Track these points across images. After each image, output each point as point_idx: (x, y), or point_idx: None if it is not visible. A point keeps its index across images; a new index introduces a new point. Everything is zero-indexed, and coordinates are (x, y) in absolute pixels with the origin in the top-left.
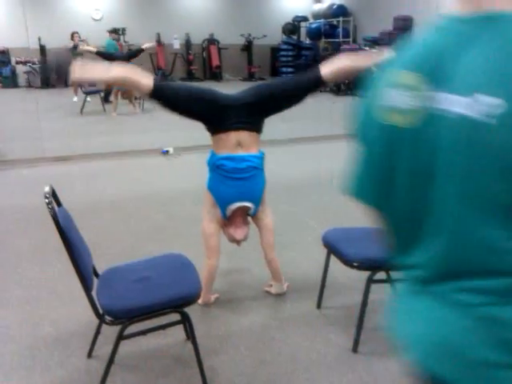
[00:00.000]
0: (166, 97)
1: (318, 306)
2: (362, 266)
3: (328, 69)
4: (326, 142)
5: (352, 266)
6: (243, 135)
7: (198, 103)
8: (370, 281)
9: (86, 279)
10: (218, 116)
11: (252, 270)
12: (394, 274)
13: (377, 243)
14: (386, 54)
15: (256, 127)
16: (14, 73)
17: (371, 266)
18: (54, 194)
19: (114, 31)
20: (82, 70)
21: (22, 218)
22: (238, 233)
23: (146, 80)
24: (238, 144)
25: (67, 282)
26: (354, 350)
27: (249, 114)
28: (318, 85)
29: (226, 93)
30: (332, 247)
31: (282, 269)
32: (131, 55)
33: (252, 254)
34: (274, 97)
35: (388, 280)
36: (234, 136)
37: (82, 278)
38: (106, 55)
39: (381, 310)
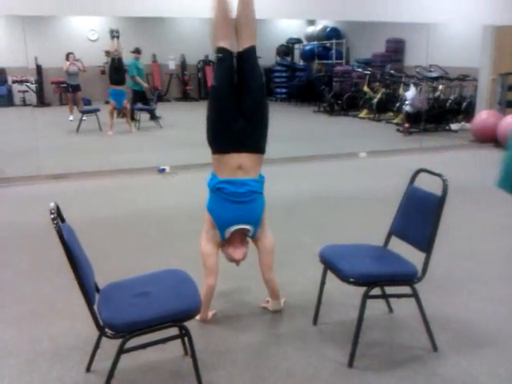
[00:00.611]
0: (223, 61)
1: (315, 322)
2: (358, 281)
3: (243, 43)
4: (320, 162)
5: (348, 282)
6: (244, 158)
7: (230, 94)
8: (366, 296)
9: (89, 293)
10: (225, 129)
11: (249, 287)
12: (389, 290)
13: (372, 259)
14: None
15: (258, 147)
16: (10, 92)
17: (367, 281)
18: (58, 210)
19: (137, 51)
20: None
21: (19, 235)
22: (237, 253)
23: (228, 40)
24: (238, 167)
25: (65, 297)
26: (350, 365)
27: (249, 134)
28: (252, 50)
29: None
30: (328, 263)
31: (279, 285)
32: (120, 69)
33: (249, 270)
34: (249, 99)
35: (383, 296)
36: (235, 158)
37: (84, 292)
38: (113, 65)
39: (376, 325)
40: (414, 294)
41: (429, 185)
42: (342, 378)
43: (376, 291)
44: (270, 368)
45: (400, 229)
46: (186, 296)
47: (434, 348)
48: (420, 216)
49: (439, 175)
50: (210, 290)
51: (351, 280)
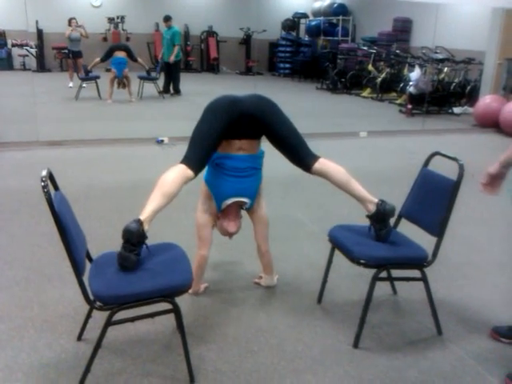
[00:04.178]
0: (203, 157)
1: (319, 300)
2: (368, 263)
3: (323, 168)
4: (320, 140)
5: (358, 264)
6: (245, 142)
7: (221, 132)
8: (376, 279)
9: (78, 264)
10: (233, 124)
11: (242, 261)
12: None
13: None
14: None
15: (258, 136)
16: (9, 55)
17: (377, 264)
18: (51, 178)
19: (164, 19)
20: (150, 219)
21: (14, 200)
22: (231, 225)
23: (186, 173)
24: (239, 148)
25: (58, 264)
26: (355, 345)
27: (253, 126)
28: (300, 167)
29: (232, 95)
30: (338, 244)
31: (273, 262)
32: (130, 52)
33: (243, 245)
34: (271, 133)
35: (391, 278)
36: (237, 143)
37: (73, 263)
38: (107, 55)
39: (375, 307)
40: (424, 278)
41: (436, 167)
42: (331, 355)
43: (382, 273)
44: (259, 343)
45: (411, 212)
46: (177, 272)
47: (439, 332)
48: (433, 200)
49: (455, 159)
50: (203, 260)
51: (361, 262)
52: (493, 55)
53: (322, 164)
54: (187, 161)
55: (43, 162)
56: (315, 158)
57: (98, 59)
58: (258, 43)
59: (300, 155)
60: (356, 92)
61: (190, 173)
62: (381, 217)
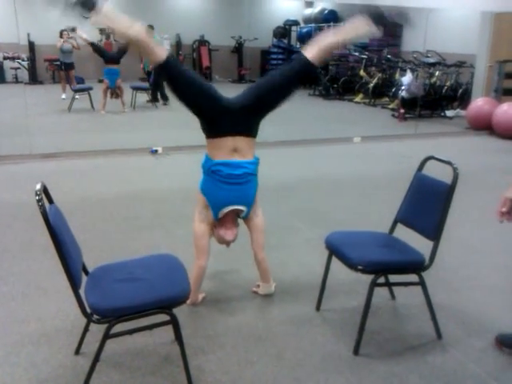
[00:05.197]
0: (174, 73)
1: (318, 308)
2: (366, 269)
3: (313, 51)
4: (315, 146)
5: (356, 270)
6: (240, 140)
7: (201, 93)
8: (374, 284)
9: (74, 277)
10: (216, 117)
11: (240, 270)
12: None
13: (379, 247)
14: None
15: (252, 132)
16: (1, 68)
17: (375, 269)
18: (45, 191)
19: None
20: (108, 16)
21: (8, 214)
22: (229, 234)
23: (160, 50)
24: (234, 149)
25: (54, 278)
26: (356, 352)
27: (246, 118)
28: (308, 70)
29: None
30: (335, 250)
31: (270, 269)
32: (122, 53)
33: (240, 254)
34: (267, 95)
35: (389, 284)
36: (230, 141)
37: (69, 276)
38: (99, 50)
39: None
40: (421, 283)
41: (430, 171)
42: (332, 363)
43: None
44: (259, 352)
45: (407, 216)
46: (175, 283)
47: (439, 336)
48: (428, 204)
49: (449, 163)
50: (201, 271)
51: (359, 268)
52: (483, 58)
53: (310, 50)
54: (169, 52)
55: (36, 174)
56: (303, 56)
57: (90, 41)
58: (249, 51)
59: (294, 73)
60: (348, 98)
61: (162, 52)
62: (373, 15)
